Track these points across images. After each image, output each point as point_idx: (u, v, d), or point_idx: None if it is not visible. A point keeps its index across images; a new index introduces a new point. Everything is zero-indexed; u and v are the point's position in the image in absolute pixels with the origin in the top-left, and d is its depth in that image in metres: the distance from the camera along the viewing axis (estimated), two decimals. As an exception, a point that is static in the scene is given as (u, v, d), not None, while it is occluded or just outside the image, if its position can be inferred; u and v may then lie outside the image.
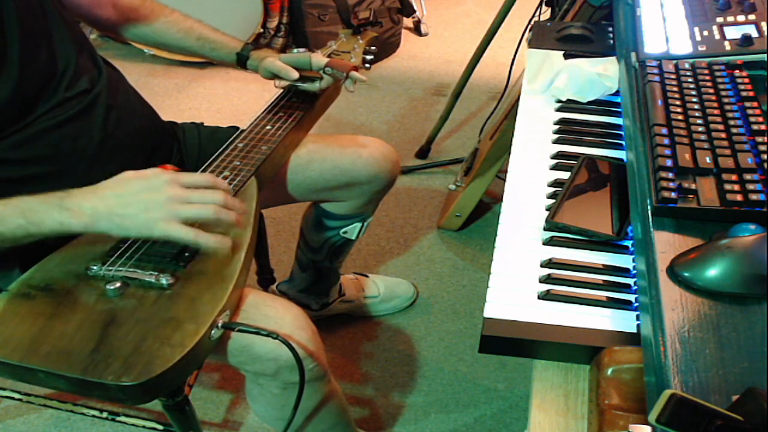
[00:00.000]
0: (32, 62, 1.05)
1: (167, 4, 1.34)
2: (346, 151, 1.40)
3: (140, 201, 0.93)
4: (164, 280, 0.97)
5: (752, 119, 0.96)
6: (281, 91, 1.38)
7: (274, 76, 1.33)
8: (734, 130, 0.94)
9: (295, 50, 1.36)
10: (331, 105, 1.48)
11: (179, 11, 1.37)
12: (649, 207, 0.85)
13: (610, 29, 1.38)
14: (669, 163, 0.89)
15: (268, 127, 1.28)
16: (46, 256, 1.03)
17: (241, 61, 1.36)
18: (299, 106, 1.35)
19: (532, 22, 1.65)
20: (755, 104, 0.99)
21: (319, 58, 1.32)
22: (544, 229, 0.96)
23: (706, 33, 1.15)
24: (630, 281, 0.88)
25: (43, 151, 1.07)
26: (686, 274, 0.76)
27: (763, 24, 1.12)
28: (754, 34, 1.11)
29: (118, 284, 0.96)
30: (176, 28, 1.35)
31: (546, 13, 1.89)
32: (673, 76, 1.06)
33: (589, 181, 1.04)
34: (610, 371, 0.74)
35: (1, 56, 1.01)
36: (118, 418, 1.35)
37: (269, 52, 1.35)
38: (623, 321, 0.82)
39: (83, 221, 0.93)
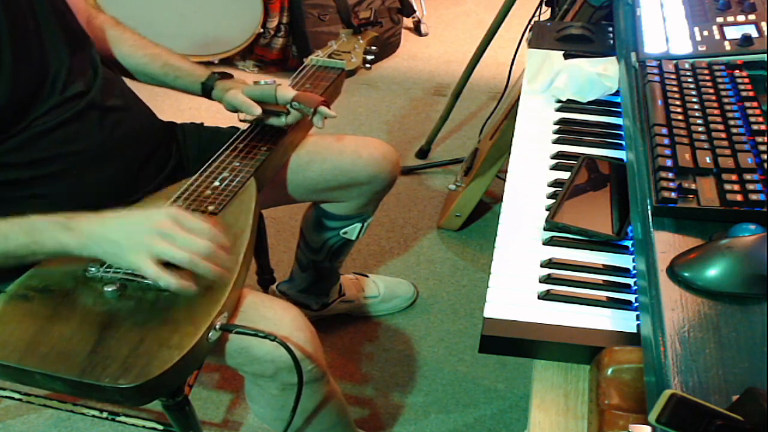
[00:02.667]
0: (24, 64, 1.04)
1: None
2: (346, 152, 1.40)
3: (129, 229, 0.93)
4: (162, 282, 0.97)
5: (752, 119, 0.96)
6: (248, 126, 1.28)
7: (236, 109, 1.25)
8: (734, 130, 0.94)
9: (262, 81, 1.25)
10: (332, 104, 1.46)
11: (149, 38, 1.33)
12: (649, 207, 0.85)
13: (610, 29, 1.38)
14: (669, 163, 0.89)
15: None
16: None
17: (205, 92, 1.30)
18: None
19: (532, 22, 1.64)
20: (755, 104, 0.99)
21: (285, 91, 1.23)
22: (544, 229, 0.96)
23: (706, 33, 1.15)
24: (630, 281, 0.88)
25: (41, 153, 1.07)
26: (686, 274, 0.75)
27: (763, 24, 1.12)
28: (754, 34, 1.11)
29: (116, 286, 0.96)
30: (142, 52, 1.31)
31: (546, 13, 1.89)
32: (673, 76, 1.06)
33: (589, 181, 1.04)
34: (610, 371, 0.74)
35: None
36: (118, 418, 1.35)
37: (235, 83, 1.29)
38: (623, 321, 0.82)
39: (79, 242, 0.94)
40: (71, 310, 0.94)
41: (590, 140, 1.14)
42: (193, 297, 0.96)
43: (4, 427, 1.57)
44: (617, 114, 1.20)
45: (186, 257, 0.92)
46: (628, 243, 0.93)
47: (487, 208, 2.19)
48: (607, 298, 0.85)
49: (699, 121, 0.97)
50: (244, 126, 1.29)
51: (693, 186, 0.86)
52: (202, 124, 1.40)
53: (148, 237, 0.92)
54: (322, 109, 1.24)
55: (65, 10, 1.14)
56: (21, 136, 1.04)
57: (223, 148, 1.23)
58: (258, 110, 1.23)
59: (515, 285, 0.88)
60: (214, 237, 0.96)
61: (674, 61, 1.10)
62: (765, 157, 0.89)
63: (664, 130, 0.95)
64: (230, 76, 1.32)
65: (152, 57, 1.31)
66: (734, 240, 0.77)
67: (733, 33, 1.13)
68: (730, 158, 0.89)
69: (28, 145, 1.05)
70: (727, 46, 1.11)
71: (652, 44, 1.15)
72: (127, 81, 1.27)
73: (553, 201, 1.00)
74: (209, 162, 1.19)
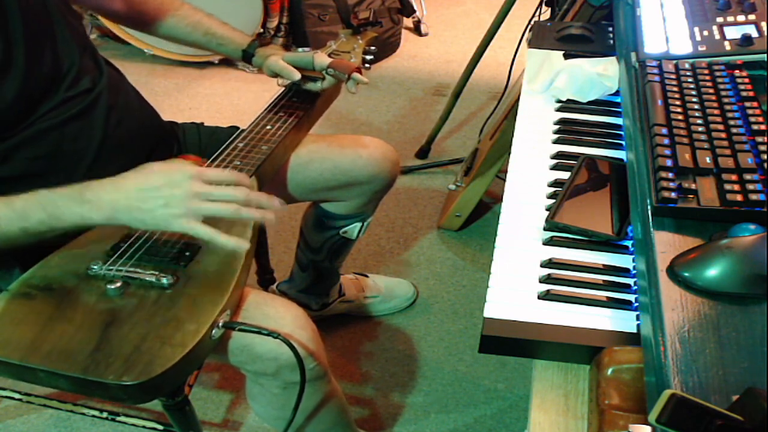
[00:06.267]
0: (37, 64, 1.05)
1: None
2: (346, 151, 1.40)
3: (161, 196, 0.92)
4: (165, 280, 0.97)
5: (752, 119, 0.96)
6: (282, 89, 1.39)
7: (276, 74, 1.34)
8: (734, 130, 0.94)
9: (300, 50, 1.36)
10: (331, 104, 1.48)
11: (189, 4, 1.38)
12: (649, 207, 0.85)
13: (610, 29, 1.38)
14: (669, 163, 0.89)
15: (269, 127, 1.28)
16: (46, 255, 1.03)
17: (246, 58, 1.37)
18: (300, 105, 1.34)
19: (532, 22, 1.65)
20: (755, 104, 0.99)
21: (322, 59, 1.32)
22: (544, 229, 0.96)
23: (706, 33, 1.15)
24: (630, 281, 0.88)
25: (45, 150, 1.07)
26: (686, 274, 0.76)
27: (763, 24, 1.12)
28: (754, 34, 1.11)
29: (118, 284, 0.96)
30: (185, 22, 1.36)
31: (546, 13, 1.89)
32: (673, 76, 1.06)
33: (589, 181, 1.04)
34: (610, 371, 0.74)
35: (7, 58, 1.01)
36: (118, 418, 1.35)
37: (274, 50, 1.36)
38: (623, 321, 0.82)
39: (104, 214, 0.93)
40: (74, 308, 0.95)
41: (590, 140, 1.14)
42: (196, 295, 0.96)
43: (4, 427, 1.57)
44: (617, 114, 1.20)
45: (230, 209, 0.93)
46: (628, 243, 0.93)
47: (487, 208, 2.20)
48: (607, 298, 0.86)
49: (699, 121, 0.97)
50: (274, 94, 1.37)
51: (693, 186, 0.86)
52: (202, 123, 1.41)
53: (185, 200, 0.92)
54: (356, 75, 1.31)
55: (71, 13, 1.15)
56: (26, 132, 1.05)
57: (225, 146, 1.23)
58: (298, 75, 1.31)
59: (515, 285, 0.88)
60: (240, 180, 0.97)
61: (674, 61, 1.10)
62: (765, 157, 0.89)
63: (664, 130, 0.95)
64: (269, 43, 1.41)
65: (194, 26, 1.36)
66: (734, 240, 0.78)
67: (733, 33, 1.13)
68: (730, 158, 0.89)
69: (33, 141, 1.06)
70: (727, 46, 1.11)
71: (652, 44, 1.15)
72: (129, 80, 1.27)
73: (553, 201, 1.00)
74: (210, 161, 1.19)
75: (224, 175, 0.98)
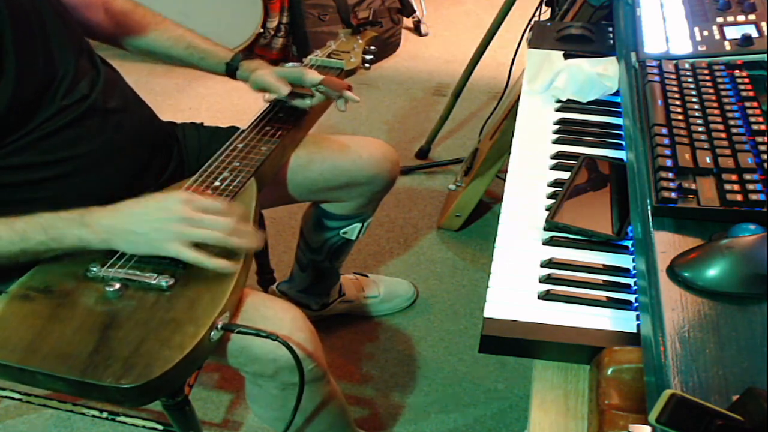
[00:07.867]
0: (29, 68, 1.03)
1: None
2: (346, 152, 1.40)
3: (153, 220, 0.97)
4: (164, 282, 0.97)
5: (752, 119, 0.96)
6: (266, 105, 1.33)
7: (263, 89, 1.29)
8: (734, 130, 0.94)
9: (288, 65, 1.31)
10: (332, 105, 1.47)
11: (170, 20, 1.35)
12: (649, 207, 0.85)
13: (610, 29, 1.38)
14: (669, 163, 0.89)
15: (265, 130, 1.27)
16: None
17: (230, 72, 1.33)
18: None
19: (532, 22, 1.65)
20: (755, 104, 0.99)
21: (312, 75, 1.27)
22: (544, 229, 0.96)
23: (706, 33, 1.15)
24: (630, 281, 0.88)
25: (43, 156, 1.06)
26: (686, 274, 0.75)
27: (763, 24, 1.12)
28: (754, 34, 1.11)
29: (117, 286, 0.96)
30: (165, 36, 1.33)
31: (546, 13, 1.89)
32: (673, 76, 1.06)
33: (589, 181, 1.04)
34: (610, 371, 0.74)
35: None
36: (118, 418, 1.35)
37: (261, 64, 1.32)
38: (623, 321, 0.82)
39: (100, 237, 0.97)
40: (72, 310, 0.94)
41: (590, 140, 1.14)
42: (194, 297, 0.96)
43: (4, 427, 1.57)
44: (617, 114, 1.20)
45: (217, 236, 0.97)
46: (628, 243, 0.93)
47: (487, 208, 2.19)
48: (607, 298, 0.85)
49: (699, 121, 0.97)
50: (262, 106, 1.33)
51: (693, 186, 0.86)
52: (201, 124, 1.40)
53: (175, 225, 0.96)
54: (347, 93, 1.29)
55: (67, 14, 1.14)
56: (24, 140, 1.04)
57: (224, 147, 1.23)
58: (287, 90, 1.27)
59: (515, 285, 0.88)
60: (227, 211, 1.00)
61: (674, 61, 1.10)
62: (765, 157, 0.89)
63: (664, 130, 0.95)
64: (254, 57, 1.36)
65: (176, 39, 1.34)
66: (734, 240, 0.77)
67: (733, 33, 1.13)
68: (730, 158, 0.89)
69: (30, 148, 1.05)
70: (727, 46, 1.11)
71: (652, 44, 1.15)
72: (128, 80, 1.27)
73: (553, 201, 1.00)
74: (209, 162, 1.19)
75: (213, 204, 1.01)
